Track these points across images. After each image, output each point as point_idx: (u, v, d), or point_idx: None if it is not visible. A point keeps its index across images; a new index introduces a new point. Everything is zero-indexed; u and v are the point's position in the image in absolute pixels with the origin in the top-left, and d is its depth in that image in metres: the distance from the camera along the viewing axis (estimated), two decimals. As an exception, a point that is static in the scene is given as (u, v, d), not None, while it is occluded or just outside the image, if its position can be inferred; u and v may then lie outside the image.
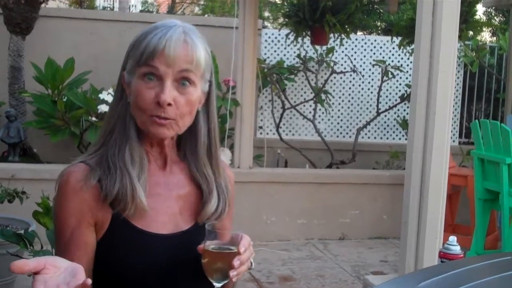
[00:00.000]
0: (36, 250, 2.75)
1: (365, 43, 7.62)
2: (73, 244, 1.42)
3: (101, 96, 5.62)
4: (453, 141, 7.47)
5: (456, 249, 2.13)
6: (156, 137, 1.47)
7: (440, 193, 3.42)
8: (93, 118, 5.50)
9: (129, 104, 1.45)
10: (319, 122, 7.37)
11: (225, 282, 1.41)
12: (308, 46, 7.04)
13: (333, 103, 7.40)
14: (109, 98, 5.60)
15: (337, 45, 6.96)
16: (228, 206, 1.57)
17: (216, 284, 1.40)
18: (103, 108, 5.52)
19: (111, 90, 5.71)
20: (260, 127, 7.20)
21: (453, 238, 2.15)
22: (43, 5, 6.21)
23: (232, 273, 1.36)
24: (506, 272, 1.80)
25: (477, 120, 5.19)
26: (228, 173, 1.64)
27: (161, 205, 1.49)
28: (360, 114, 7.61)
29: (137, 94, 1.42)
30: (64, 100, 5.66)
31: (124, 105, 1.46)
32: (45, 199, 2.81)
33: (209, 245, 1.39)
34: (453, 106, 7.60)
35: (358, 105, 7.61)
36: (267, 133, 7.15)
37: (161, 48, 1.39)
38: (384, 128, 7.66)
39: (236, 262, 1.36)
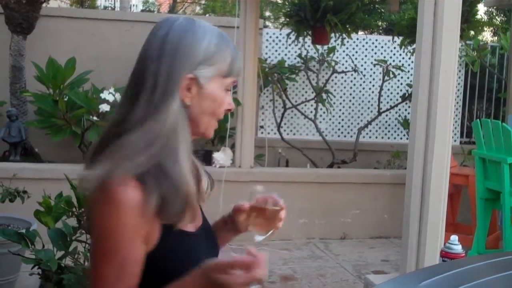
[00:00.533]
0: (38, 249, 2.75)
1: (366, 42, 7.62)
2: (129, 261, 1.35)
3: (102, 95, 5.63)
4: (455, 140, 7.47)
5: (458, 248, 2.13)
6: (206, 138, 1.57)
7: (441, 192, 3.42)
8: (94, 118, 5.51)
9: (185, 107, 1.42)
10: (320, 122, 7.37)
11: (267, 235, 1.58)
12: (309, 46, 7.05)
13: (334, 103, 7.40)
14: (110, 98, 5.62)
15: (338, 44, 6.96)
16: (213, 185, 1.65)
17: (259, 238, 1.57)
18: (104, 107, 5.53)
19: (112, 90, 5.72)
20: (261, 127, 7.21)
21: (454, 238, 2.15)
22: (44, 5, 6.22)
23: (279, 224, 1.57)
24: (507, 272, 1.81)
25: (478, 120, 5.19)
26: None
27: None
28: (362, 114, 7.61)
29: (221, 102, 1.48)
30: (65, 99, 5.66)
31: (179, 107, 1.41)
32: (46, 198, 2.82)
33: (256, 204, 1.58)
34: (454, 106, 7.62)
35: (359, 104, 7.61)
36: (268, 133, 7.15)
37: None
38: (386, 128, 7.66)
39: (283, 215, 1.58)
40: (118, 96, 5.69)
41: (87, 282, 2.39)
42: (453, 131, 7.64)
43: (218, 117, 1.49)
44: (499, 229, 5.28)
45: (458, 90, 7.64)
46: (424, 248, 3.35)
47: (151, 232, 1.36)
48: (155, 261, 1.38)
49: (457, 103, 7.63)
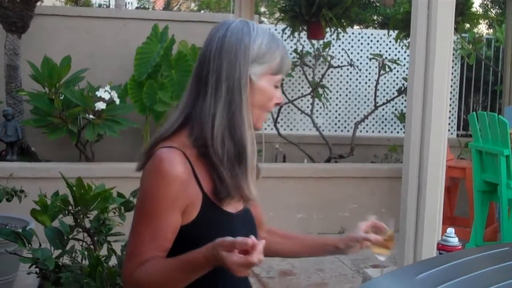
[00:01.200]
0: (34, 248, 2.75)
1: (362, 37, 7.61)
2: (164, 227, 1.52)
3: (98, 93, 5.62)
4: (451, 133, 7.47)
5: (454, 241, 2.13)
6: (255, 129, 1.64)
7: (438, 185, 3.42)
8: (91, 116, 5.50)
9: (245, 100, 1.59)
10: (316, 117, 7.37)
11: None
12: (304, 41, 7.05)
13: (330, 98, 7.40)
14: (106, 96, 5.61)
15: (333, 39, 6.96)
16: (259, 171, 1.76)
17: (382, 258, 1.90)
18: (100, 105, 5.52)
19: (107, 87, 5.71)
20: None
21: (451, 230, 2.15)
22: (38, 3, 6.20)
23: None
24: (505, 263, 1.80)
25: (474, 112, 5.19)
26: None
27: None
28: (358, 108, 7.61)
29: (270, 97, 1.63)
30: (61, 98, 5.65)
31: (242, 99, 1.58)
32: (42, 197, 2.82)
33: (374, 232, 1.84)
34: (451, 99, 7.63)
35: (355, 99, 7.61)
36: (265, 128, 7.14)
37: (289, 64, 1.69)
38: (382, 122, 7.66)
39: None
40: (113, 93, 5.69)
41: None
42: (449, 124, 7.67)
43: (268, 110, 1.65)
44: (496, 221, 5.28)
45: (454, 83, 7.64)
46: (421, 242, 3.35)
47: (193, 203, 1.54)
48: (190, 232, 1.55)
49: (453, 96, 7.63)
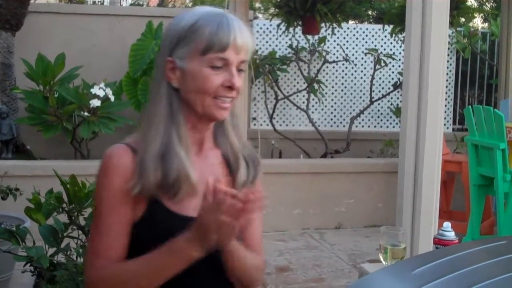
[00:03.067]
0: (28, 246, 2.73)
1: (357, 31, 7.59)
2: (112, 229, 1.49)
3: (93, 90, 5.60)
4: (447, 127, 7.48)
5: (451, 235, 2.13)
6: (214, 119, 1.56)
7: (434, 180, 3.42)
8: (85, 113, 5.48)
9: (174, 90, 1.53)
10: (312, 112, 7.35)
11: None
12: (300, 36, 7.02)
13: (326, 93, 7.38)
14: (101, 93, 5.59)
15: (328, 34, 6.94)
16: (257, 180, 1.67)
17: None
18: (95, 102, 5.50)
19: (102, 85, 5.69)
20: (254, 118, 7.19)
21: (447, 224, 2.15)
22: (32, 1, 6.17)
23: None
24: (501, 257, 1.80)
25: (470, 106, 5.18)
26: (260, 167, 1.70)
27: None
28: (354, 103, 7.60)
29: (204, 79, 1.50)
30: (56, 95, 5.62)
31: (167, 90, 1.53)
32: (36, 195, 2.80)
33: None
34: (446, 93, 7.61)
35: (351, 94, 7.60)
36: (261, 124, 7.13)
37: (233, 38, 1.49)
38: (378, 117, 7.65)
39: None
40: (108, 91, 5.66)
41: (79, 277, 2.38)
42: (445, 118, 7.67)
43: (209, 94, 1.50)
44: (493, 215, 5.28)
45: (450, 77, 7.64)
46: (418, 236, 3.35)
47: (137, 202, 1.49)
48: (134, 235, 1.51)
49: (449, 90, 7.63)
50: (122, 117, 5.79)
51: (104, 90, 5.63)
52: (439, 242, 2.11)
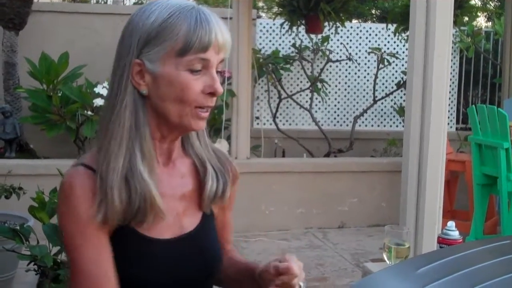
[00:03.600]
0: (32, 245, 2.73)
1: (360, 31, 7.59)
2: (100, 256, 1.31)
3: (96, 90, 5.60)
4: (450, 127, 7.46)
5: (455, 234, 2.13)
6: (190, 131, 1.40)
7: (438, 179, 3.41)
8: (89, 112, 5.48)
9: (141, 97, 1.32)
10: (315, 111, 7.35)
11: None
12: (303, 35, 7.02)
13: (329, 92, 7.38)
14: (104, 92, 5.59)
15: (332, 33, 6.93)
16: (228, 189, 1.49)
17: None
18: (99, 102, 5.50)
19: (106, 84, 5.69)
20: (257, 118, 7.19)
21: (451, 224, 2.15)
22: (35, 0, 6.17)
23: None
24: (505, 256, 1.80)
25: (473, 105, 5.17)
26: (232, 170, 1.54)
27: (165, 206, 1.36)
28: (357, 102, 7.59)
29: (182, 86, 1.29)
30: (59, 94, 5.63)
31: (133, 98, 1.32)
32: (39, 193, 2.80)
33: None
34: (450, 92, 7.60)
35: (354, 93, 7.59)
36: (264, 124, 7.13)
37: (214, 36, 1.30)
38: (381, 116, 7.64)
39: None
40: (112, 90, 5.67)
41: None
42: (449, 117, 7.65)
43: (190, 103, 1.31)
44: (496, 215, 5.28)
45: (453, 76, 7.62)
46: (421, 235, 3.34)
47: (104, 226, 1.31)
48: (116, 264, 1.32)
49: (453, 89, 7.62)
50: (125, 116, 5.79)
51: (106, 89, 5.64)
52: (443, 241, 2.11)
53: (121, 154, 1.30)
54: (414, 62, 3.39)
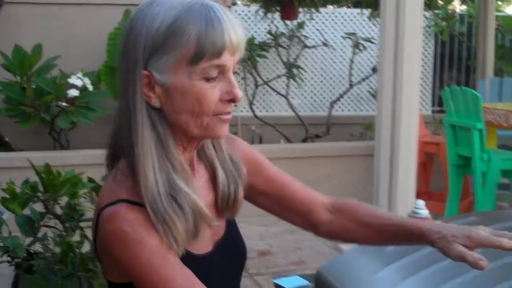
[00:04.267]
0: (4, 236, 2.73)
1: (336, 16, 7.61)
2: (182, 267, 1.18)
3: (71, 80, 5.57)
4: (426, 110, 7.52)
5: (424, 212, 2.16)
6: (214, 139, 1.30)
7: (410, 161, 3.45)
8: (63, 103, 5.45)
9: (154, 110, 1.20)
10: (292, 98, 7.36)
11: None
12: (278, 22, 7.02)
13: (305, 78, 7.39)
14: (79, 83, 5.56)
15: (307, 19, 6.94)
16: (240, 194, 1.35)
17: None
18: (73, 92, 5.47)
19: (80, 74, 5.65)
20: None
21: (420, 202, 2.18)
22: (7, -9, 6.11)
23: None
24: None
25: (447, 87, 5.22)
26: (234, 144, 1.43)
27: None
28: (333, 88, 7.62)
29: (198, 97, 1.17)
30: (34, 86, 5.59)
31: (148, 113, 1.19)
32: (10, 184, 2.79)
33: None
34: (425, 76, 7.67)
35: (330, 78, 7.62)
36: (241, 111, 7.13)
37: (228, 37, 1.16)
38: (358, 101, 7.68)
39: None
40: (86, 80, 5.64)
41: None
42: (424, 100, 7.72)
43: (207, 114, 1.19)
44: (471, 195, 5.34)
45: (429, 60, 7.67)
46: (395, 216, 3.37)
47: None
48: None
49: (428, 72, 7.67)
50: (100, 107, 5.76)
51: (82, 80, 5.60)
52: (412, 220, 2.14)
53: (158, 176, 1.17)
54: (385, 46, 3.43)
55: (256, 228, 5.19)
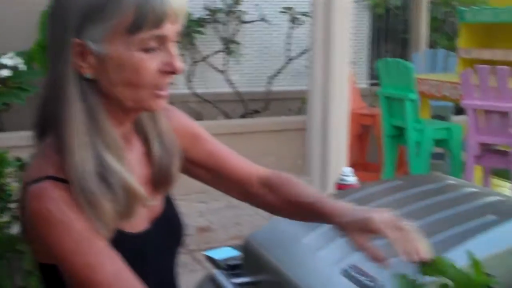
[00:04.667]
0: None
1: (273, -10, 7.58)
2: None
3: (2, 60, 5.42)
4: (363, 83, 7.61)
5: (351, 179, 2.18)
6: (149, 111, 1.24)
7: (342, 134, 3.49)
8: (-6, 84, 5.30)
9: (86, 81, 1.13)
10: (231, 74, 7.33)
11: None
12: (215, -3, 6.97)
13: (244, 54, 7.36)
14: (10, 62, 5.41)
15: (244, -6, 6.91)
16: (175, 169, 1.32)
17: None
18: (4, 73, 5.33)
19: (11, 54, 5.50)
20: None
21: (347, 170, 2.20)
22: None
23: None
24: (397, 193, 1.85)
25: (381, 59, 5.29)
26: (172, 116, 1.40)
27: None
28: (272, 63, 7.61)
29: (135, 68, 1.11)
30: (-38, 67, 5.41)
31: (78, 84, 1.12)
32: None
33: None
34: (361, 49, 7.75)
35: (269, 54, 7.61)
36: (180, 88, 7.06)
37: (168, 5, 1.10)
38: (296, 75, 7.70)
39: None
40: (18, 60, 5.49)
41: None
42: (361, 73, 7.78)
43: (145, 86, 1.14)
44: (406, 165, 5.44)
45: (364, 33, 7.75)
46: (328, 189, 3.42)
47: None
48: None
49: (364, 46, 7.74)
50: (33, 87, 5.62)
51: (14, 60, 5.45)
52: (340, 187, 2.16)
53: (87, 152, 1.11)
54: (316, 20, 3.44)
55: (196, 205, 5.18)
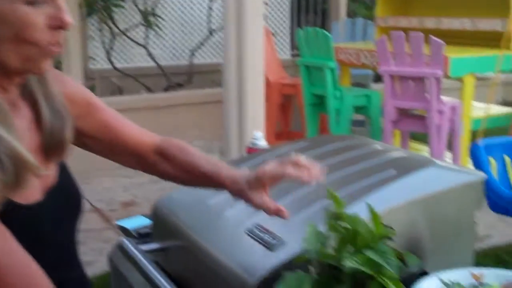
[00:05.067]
0: None
1: (192, -39, 7.50)
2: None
3: None
4: (285, 54, 7.65)
5: (262, 143, 2.19)
6: (36, 74, 1.16)
7: (258, 104, 3.49)
8: None
9: None
10: (152, 48, 7.24)
11: None
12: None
13: (164, 27, 7.27)
14: None
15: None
16: (69, 116, 1.24)
17: None
18: None
19: None
20: (92, 58, 6.96)
21: (257, 134, 2.20)
22: None
23: None
24: (305, 152, 1.86)
25: (300, 29, 5.31)
26: (63, 82, 1.29)
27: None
28: (193, 36, 7.55)
29: (20, 23, 1.03)
30: None
31: None
32: None
33: None
34: (282, 20, 7.78)
35: (190, 26, 7.54)
36: (100, 63, 6.92)
37: None
38: (218, 47, 7.66)
39: None
40: None
41: None
42: (282, 44, 7.81)
43: (31, 42, 1.06)
44: (328, 133, 5.52)
45: (285, 4, 7.78)
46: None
47: None
48: None
49: (285, 16, 7.78)
50: None
51: None
52: (250, 150, 2.17)
53: None
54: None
55: (120, 179, 5.12)
